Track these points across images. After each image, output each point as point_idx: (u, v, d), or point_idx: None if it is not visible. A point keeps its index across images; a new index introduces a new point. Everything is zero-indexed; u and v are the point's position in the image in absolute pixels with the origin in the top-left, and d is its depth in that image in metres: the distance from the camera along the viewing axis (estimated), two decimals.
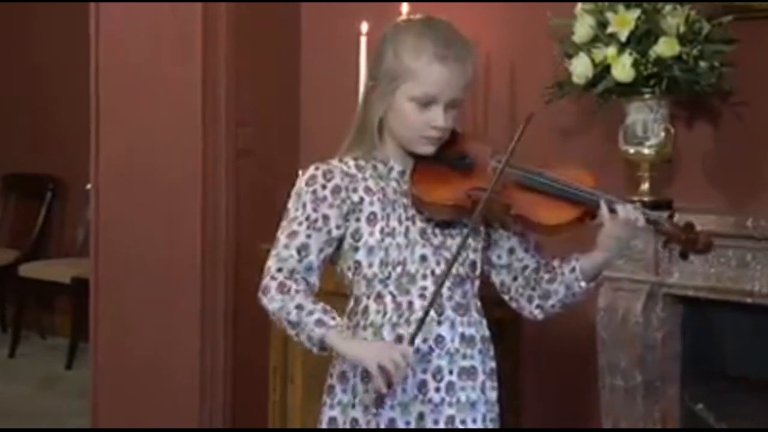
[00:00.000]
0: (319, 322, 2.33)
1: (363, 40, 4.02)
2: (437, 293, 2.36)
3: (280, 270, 2.39)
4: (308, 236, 2.40)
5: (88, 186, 4.85)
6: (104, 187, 4.72)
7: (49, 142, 6.92)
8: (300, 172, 4.01)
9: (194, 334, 4.42)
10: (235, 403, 4.46)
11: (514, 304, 2.55)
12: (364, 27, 4.03)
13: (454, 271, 2.42)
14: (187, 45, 4.40)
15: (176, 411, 4.45)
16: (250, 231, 4.39)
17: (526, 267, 2.53)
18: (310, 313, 2.34)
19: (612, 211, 2.39)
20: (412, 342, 2.32)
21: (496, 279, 2.55)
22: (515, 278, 2.53)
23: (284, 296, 2.36)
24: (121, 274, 4.65)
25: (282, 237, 2.42)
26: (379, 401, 2.38)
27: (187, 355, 4.44)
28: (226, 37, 4.40)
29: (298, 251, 2.39)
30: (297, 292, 2.37)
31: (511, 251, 2.53)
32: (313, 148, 4.46)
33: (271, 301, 2.38)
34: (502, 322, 2.58)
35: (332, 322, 2.34)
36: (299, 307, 2.35)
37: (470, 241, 2.44)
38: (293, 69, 4.61)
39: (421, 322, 2.33)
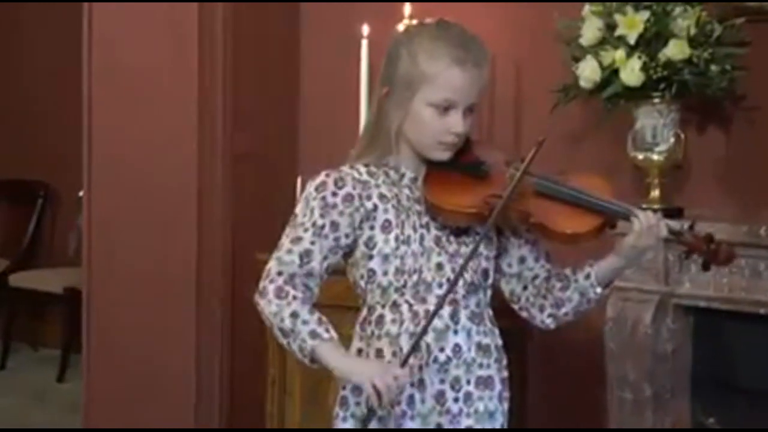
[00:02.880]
0: (313, 334, 2.36)
1: (364, 42, 4.03)
2: (435, 313, 2.38)
3: (280, 273, 2.41)
4: (312, 243, 2.42)
5: (81, 193, 4.85)
6: (97, 194, 4.72)
7: (40, 148, 6.91)
8: (299, 179, 4.07)
9: (190, 345, 4.43)
10: (232, 415, 4.46)
11: (524, 314, 2.57)
12: (366, 29, 4.04)
13: (468, 279, 2.44)
14: (183, 48, 4.41)
15: (171, 424, 4.45)
16: (247, 239, 4.39)
17: (536, 276, 2.55)
18: (305, 322, 2.37)
19: (637, 220, 2.41)
20: (404, 363, 2.35)
21: (505, 288, 2.57)
22: (525, 287, 2.56)
23: (281, 301, 2.39)
24: (115, 284, 4.65)
25: (286, 241, 2.44)
26: (369, 418, 2.40)
27: (182, 368, 4.44)
28: (223, 39, 4.40)
29: (301, 257, 2.41)
30: (294, 298, 2.39)
31: (522, 260, 2.55)
32: (313, 153, 4.47)
33: (268, 305, 2.40)
34: (509, 332, 2.59)
35: (326, 335, 2.37)
36: (294, 314, 2.37)
37: (483, 249, 2.47)
38: (292, 72, 4.62)
39: (416, 341, 2.37)
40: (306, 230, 2.42)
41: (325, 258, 2.42)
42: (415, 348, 2.36)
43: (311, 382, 4.00)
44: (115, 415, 4.65)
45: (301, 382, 4.03)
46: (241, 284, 4.41)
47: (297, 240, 2.42)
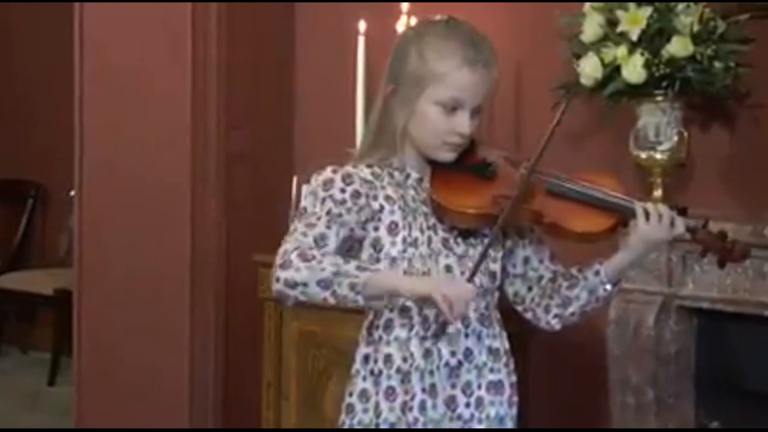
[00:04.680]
0: (360, 268, 2.29)
1: (361, 39, 4.02)
2: (488, 246, 2.38)
3: (296, 249, 2.31)
4: (328, 227, 2.36)
5: (72, 192, 4.84)
6: (88, 194, 4.72)
7: (31, 147, 6.90)
8: (295, 178, 4.07)
9: (183, 348, 4.42)
10: (227, 420, 4.46)
11: (529, 315, 2.56)
12: (362, 26, 4.03)
13: (477, 281, 2.42)
14: (176, 46, 4.40)
15: (164, 428, 4.44)
16: (242, 240, 4.39)
17: (541, 277, 2.55)
18: (347, 263, 2.29)
19: (648, 215, 2.41)
20: (471, 279, 2.33)
21: (509, 289, 2.57)
22: (530, 288, 2.55)
23: (310, 262, 2.27)
24: (107, 286, 4.64)
25: (299, 226, 2.36)
26: (441, 330, 2.37)
27: (176, 371, 4.44)
28: (217, 35, 4.40)
29: (316, 240, 2.34)
30: (324, 255, 2.30)
31: (526, 260, 2.55)
32: (309, 152, 4.46)
33: (297, 272, 2.27)
34: (510, 335, 2.59)
35: (373, 267, 2.33)
36: (333, 263, 2.27)
37: (490, 251, 2.45)
38: (288, 69, 4.62)
39: (481, 258, 2.36)
40: (319, 218, 2.36)
41: (338, 246, 2.36)
42: (481, 261, 2.36)
43: (308, 385, 4.00)
44: (106, 419, 4.64)
45: (297, 385, 4.03)
46: (235, 286, 4.41)
47: (311, 226, 2.35)
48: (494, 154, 2.50)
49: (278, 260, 2.31)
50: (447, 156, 2.44)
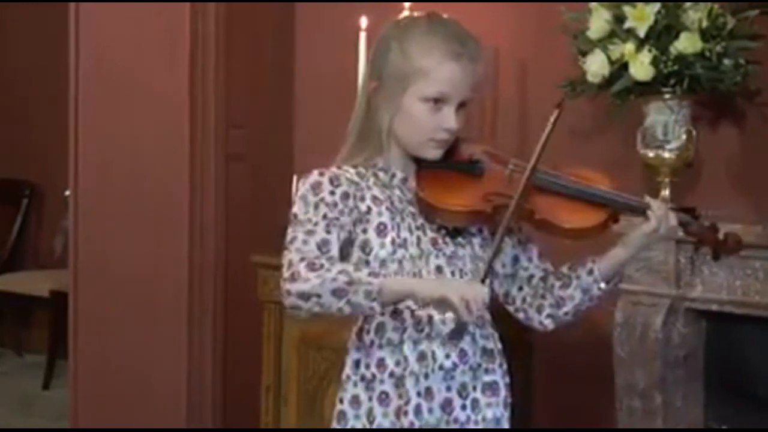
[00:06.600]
0: (373, 274, 2.29)
1: (362, 36, 4.00)
2: (500, 242, 2.38)
3: (302, 259, 2.31)
4: (328, 232, 2.36)
5: (67, 192, 4.83)
6: (84, 194, 4.71)
7: (25, 145, 6.90)
8: (294, 178, 4.05)
9: (181, 351, 4.41)
10: (226, 425, 4.45)
11: (521, 315, 2.57)
12: (364, 22, 4.01)
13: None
14: (174, 44, 4.39)
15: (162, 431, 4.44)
16: (241, 241, 4.38)
17: (531, 276, 2.55)
18: (358, 270, 2.29)
19: (645, 209, 2.43)
20: (483, 280, 2.32)
21: (499, 290, 2.56)
22: (520, 288, 2.55)
23: (319, 271, 2.27)
24: (103, 287, 4.63)
25: (298, 234, 2.35)
26: (459, 332, 2.37)
27: (173, 374, 4.43)
28: (216, 33, 4.39)
29: (319, 246, 2.34)
30: (332, 264, 2.30)
31: (516, 260, 2.55)
32: (309, 151, 4.46)
33: (306, 283, 2.27)
34: (511, 338, 2.58)
35: (385, 272, 2.33)
36: (343, 271, 2.27)
37: (479, 251, 2.46)
38: (287, 67, 4.61)
39: (491, 259, 2.36)
40: (316, 224, 2.36)
41: (340, 250, 2.36)
42: (491, 264, 2.36)
43: (308, 389, 3.99)
44: (102, 422, 4.63)
45: (297, 389, 4.02)
46: (234, 287, 4.39)
47: (310, 233, 2.35)
48: (477, 150, 2.50)
49: (285, 273, 2.31)
50: (433, 153, 2.44)
